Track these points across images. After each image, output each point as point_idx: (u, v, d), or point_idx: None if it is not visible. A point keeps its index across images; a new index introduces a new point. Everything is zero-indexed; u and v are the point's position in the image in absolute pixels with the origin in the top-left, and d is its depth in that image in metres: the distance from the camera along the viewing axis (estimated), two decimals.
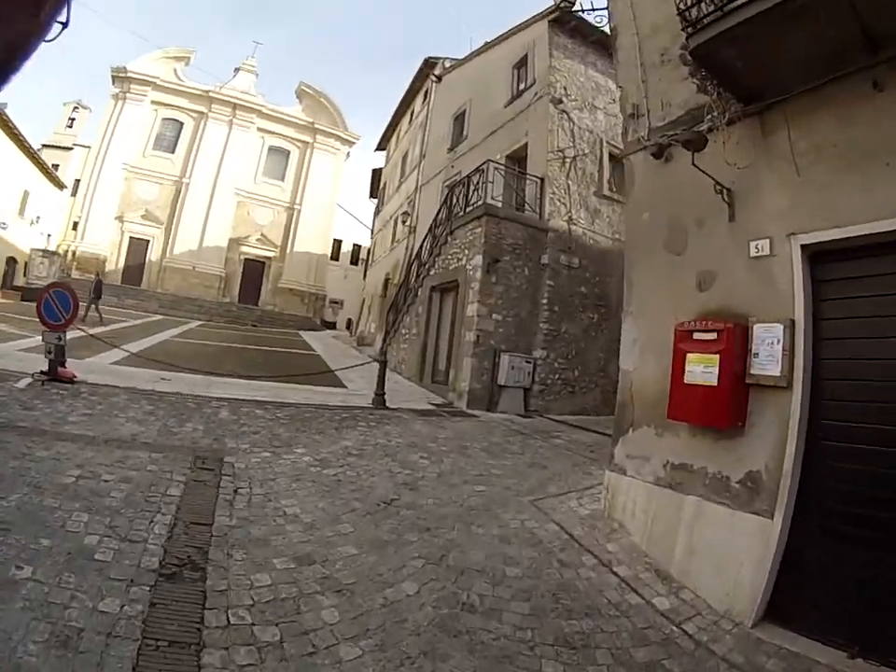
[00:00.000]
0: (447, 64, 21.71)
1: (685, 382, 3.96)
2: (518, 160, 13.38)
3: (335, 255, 40.50)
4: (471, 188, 12.34)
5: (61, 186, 30.86)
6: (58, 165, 32.24)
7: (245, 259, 35.88)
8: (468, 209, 12.06)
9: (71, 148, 35.36)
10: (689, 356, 3.97)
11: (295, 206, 37.01)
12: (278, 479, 4.74)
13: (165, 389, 7.60)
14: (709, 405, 3.81)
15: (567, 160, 12.44)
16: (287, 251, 36.44)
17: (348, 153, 40.28)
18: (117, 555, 3.04)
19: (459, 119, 18.23)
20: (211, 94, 35.50)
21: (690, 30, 3.65)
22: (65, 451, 4.37)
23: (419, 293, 13.88)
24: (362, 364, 11.95)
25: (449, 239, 12.37)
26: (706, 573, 3.76)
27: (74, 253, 32.17)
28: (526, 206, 12.11)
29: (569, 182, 12.34)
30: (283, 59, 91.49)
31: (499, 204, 11.77)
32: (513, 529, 4.28)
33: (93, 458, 4.30)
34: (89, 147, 34.32)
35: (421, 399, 10.80)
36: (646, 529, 4.33)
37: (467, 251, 11.30)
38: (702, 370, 3.84)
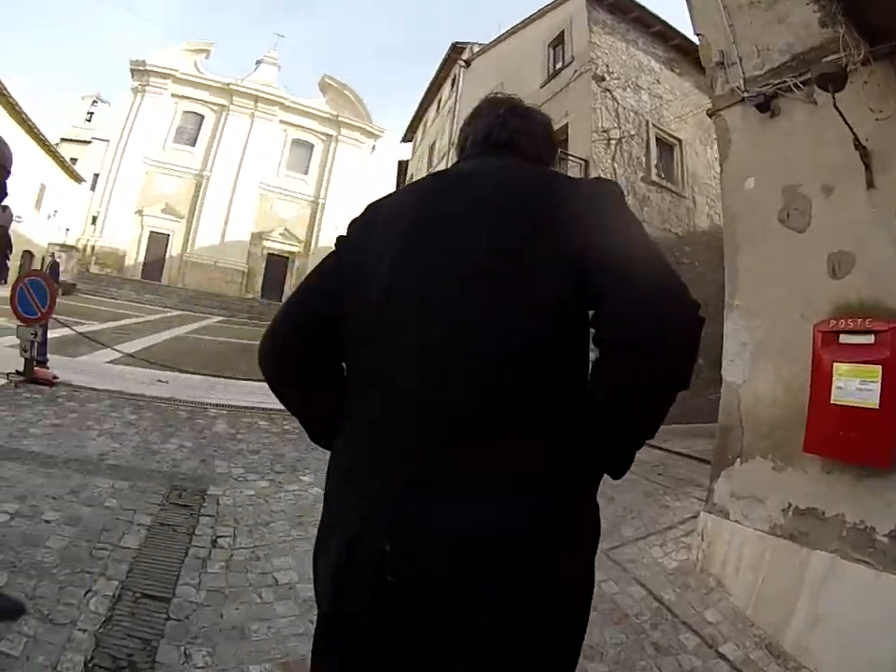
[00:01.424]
0: (475, 49, 20.69)
1: (832, 402, 2.86)
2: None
3: None
4: None
5: (78, 179, 30.63)
6: (76, 159, 32.12)
7: (269, 253, 35.28)
8: None
9: (89, 142, 35.35)
10: (837, 366, 2.86)
11: (319, 200, 36.32)
12: (274, 522, 3.59)
13: (157, 393, 6.52)
14: (866, 436, 2.73)
15: (612, 141, 11.38)
16: (312, 246, 35.56)
17: (374, 146, 39.48)
18: (29, 647, 2.05)
19: None
20: (232, 87, 34.96)
21: None
22: (10, 474, 3.39)
23: None
24: None
25: None
26: (831, 649, 2.75)
27: (93, 248, 31.88)
28: None
29: (615, 166, 11.27)
30: (306, 54, 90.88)
31: None
32: None
33: (42, 487, 3.31)
34: (107, 140, 33.91)
35: None
36: (753, 591, 3.25)
37: None
38: (857, 386, 2.76)
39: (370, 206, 1.21)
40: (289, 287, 34.91)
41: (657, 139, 12.36)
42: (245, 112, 35.16)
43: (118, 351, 7.50)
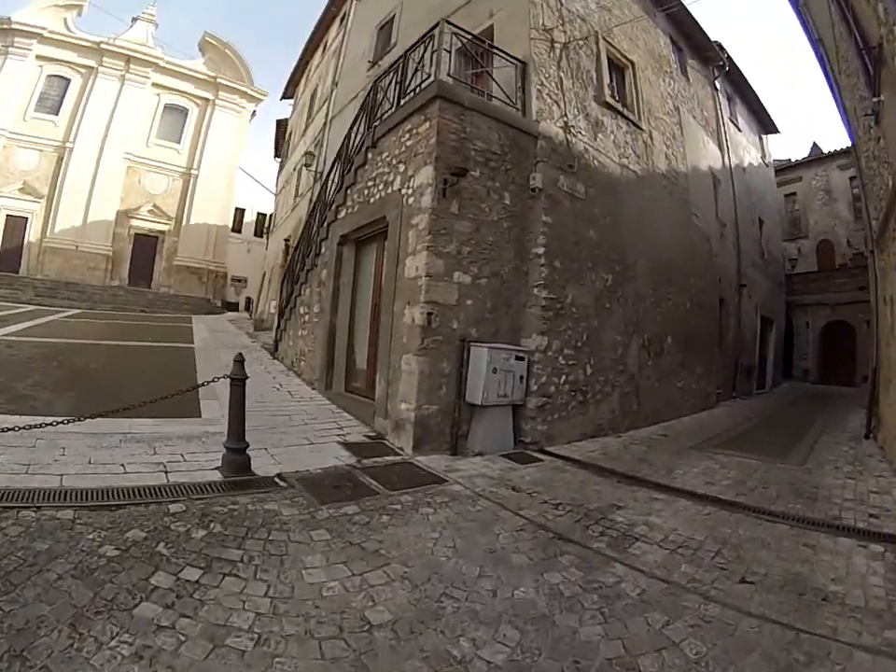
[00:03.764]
0: None
1: None
2: None
3: (237, 226, 35.27)
4: (410, 70, 7.44)
5: None
6: None
7: (136, 234, 30.20)
8: (403, 101, 7.18)
9: None
10: None
11: (192, 172, 31.60)
12: None
13: None
14: None
15: (557, 45, 8.15)
16: (183, 223, 31.03)
17: (254, 112, 35.12)
18: None
19: (386, 28, 13.64)
20: (103, 46, 29.47)
21: None
22: None
23: (322, 249, 9.09)
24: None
25: (370, 156, 7.63)
26: None
27: None
28: (496, 101, 7.32)
29: (562, 75, 8.04)
30: (195, 16, 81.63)
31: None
32: None
33: None
34: None
35: (328, 433, 6.16)
36: None
37: (402, 166, 6.66)
38: None
39: None
40: (158, 271, 30.48)
41: (608, 57, 9.52)
42: (115, 74, 29.94)
43: None
